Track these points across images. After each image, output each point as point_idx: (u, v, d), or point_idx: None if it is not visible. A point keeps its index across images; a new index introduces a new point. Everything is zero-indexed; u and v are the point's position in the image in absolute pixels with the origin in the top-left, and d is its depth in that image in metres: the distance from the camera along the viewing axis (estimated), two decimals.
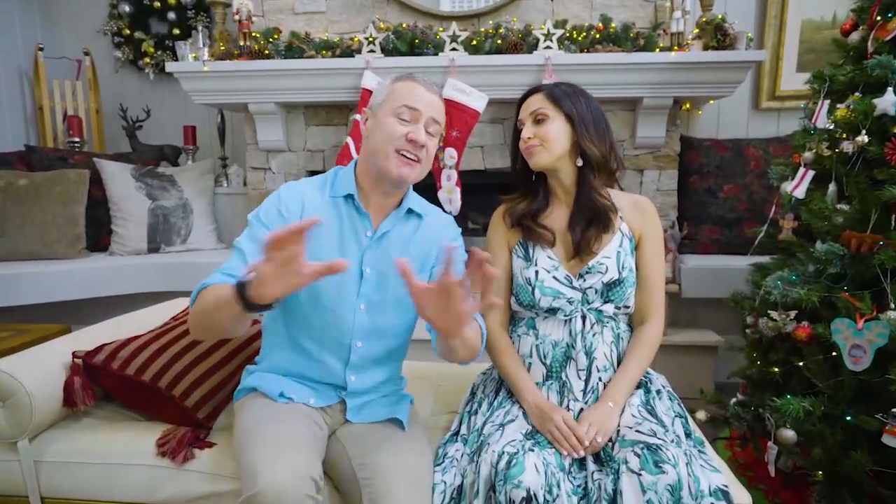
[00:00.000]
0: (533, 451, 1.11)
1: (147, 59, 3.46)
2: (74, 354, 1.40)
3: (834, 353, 1.50)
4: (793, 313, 1.62)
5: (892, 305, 1.43)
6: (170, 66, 2.76)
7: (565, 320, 1.32)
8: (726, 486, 1.08)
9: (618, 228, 1.35)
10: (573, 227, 1.34)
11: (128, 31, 3.47)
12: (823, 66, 1.84)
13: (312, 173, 2.84)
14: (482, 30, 2.68)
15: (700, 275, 2.64)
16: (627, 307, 1.35)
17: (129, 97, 3.54)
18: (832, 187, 1.65)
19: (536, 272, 1.33)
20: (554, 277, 1.33)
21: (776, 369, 1.71)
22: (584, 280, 1.32)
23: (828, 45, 2.85)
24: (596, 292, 1.32)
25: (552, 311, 1.33)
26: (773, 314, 1.66)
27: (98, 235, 3.07)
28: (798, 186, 1.74)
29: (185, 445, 1.31)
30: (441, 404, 1.62)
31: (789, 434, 1.54)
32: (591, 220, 1.33)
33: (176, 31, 3.42)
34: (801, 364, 1.60)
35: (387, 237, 1.27)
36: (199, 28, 2.90)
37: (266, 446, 1.08)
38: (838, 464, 1.48)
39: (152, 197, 3.04)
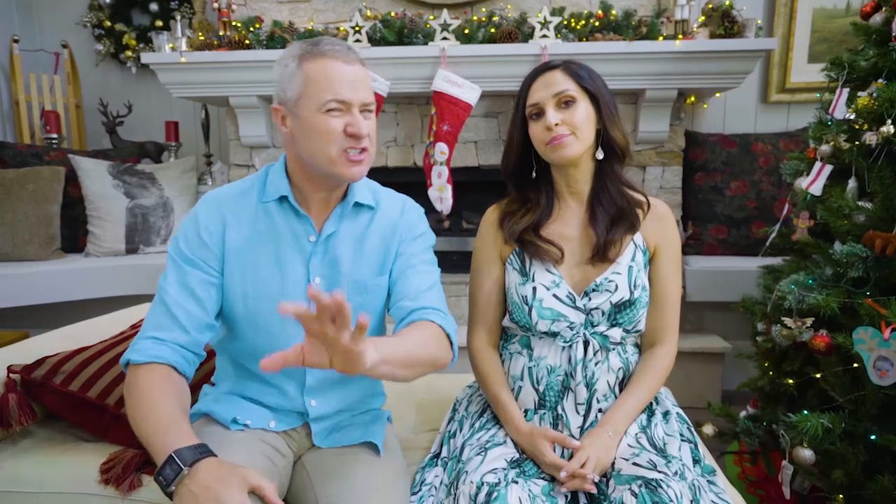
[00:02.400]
0: (517, 482, 0.97)
1: (129, 53, 3.32)
2: (10, 369, 1.26)
3: (855, 365, 1.39)
4: (809, 321, 1.51)
5: None
6: (145, 58, 2.62)
7: (564, 346, 1.15)
8: None
9: (631, 239, 1.17)
10: (595, 225, 1.15)
11: (108, 23, 3.32)
12: (837, 55, 1.72)
13: None
14: (475, 18, 2.54)
15: (706, 277, 2.52)
16: (638, 331, 1.19)
17: (110, 92, 3.41)
18: (852, 183, 1.54)
19: (534, 289, 1.15)
20: (554, 296, 1.15)
21: (790, 381, 1.61)
22: (590, 299, 1.14)
23: (841, 34, 2.75)
24: (603, 314, 1.14)
25: (551, 335, 1.16)
26: (788, 321, 1.55)
27: (75, 235, 2.93)
28: (814, 182, 1.63)
29: (132, 471, 1.16)
30: (423, 421, 1.48)
31: (807, 454, 1.43)
32: (617, 218, 1.15)
33: (159, 23, 3.28)
34: (818, 376, 1.49)
35: (334, 238, 1.10)
36: (178, 18, 2.76)
37: None
38: (862, 487, 1.37)
39: (130, 195, 2.89)
